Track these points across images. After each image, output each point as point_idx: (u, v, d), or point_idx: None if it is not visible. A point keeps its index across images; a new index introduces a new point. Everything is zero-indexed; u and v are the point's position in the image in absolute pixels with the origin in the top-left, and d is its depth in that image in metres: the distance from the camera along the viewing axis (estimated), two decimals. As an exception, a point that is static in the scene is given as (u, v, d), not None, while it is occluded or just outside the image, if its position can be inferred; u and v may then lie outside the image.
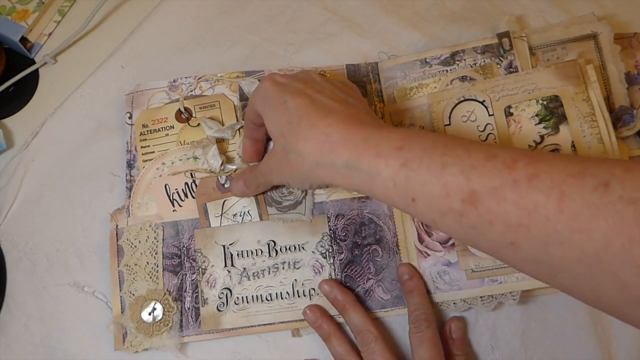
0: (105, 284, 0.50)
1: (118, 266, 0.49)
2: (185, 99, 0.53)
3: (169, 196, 0.50)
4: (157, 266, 0.49)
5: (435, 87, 0.53)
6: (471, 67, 0.53)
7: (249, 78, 0.54)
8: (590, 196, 0.28)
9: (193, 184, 0.51)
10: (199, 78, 0.54)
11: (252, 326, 0.47)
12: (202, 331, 0.47)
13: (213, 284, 0.48)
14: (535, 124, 0.49)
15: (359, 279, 0.48)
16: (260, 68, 0.55)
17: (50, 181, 0.53)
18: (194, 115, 0.53)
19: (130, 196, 0.51)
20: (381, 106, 0.53)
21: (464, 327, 0.48)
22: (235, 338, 0.48)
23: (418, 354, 0.44)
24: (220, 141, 0.52)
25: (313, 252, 0.49)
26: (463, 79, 0.52)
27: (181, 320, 0.48)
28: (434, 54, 0.54)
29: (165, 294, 0.48)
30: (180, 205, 0.50)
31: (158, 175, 0.51)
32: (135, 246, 0.49)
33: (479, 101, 0.50)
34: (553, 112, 0.49)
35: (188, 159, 0.51)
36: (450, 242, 0.48)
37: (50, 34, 0.60)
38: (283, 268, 0.49)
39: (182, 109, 0.53)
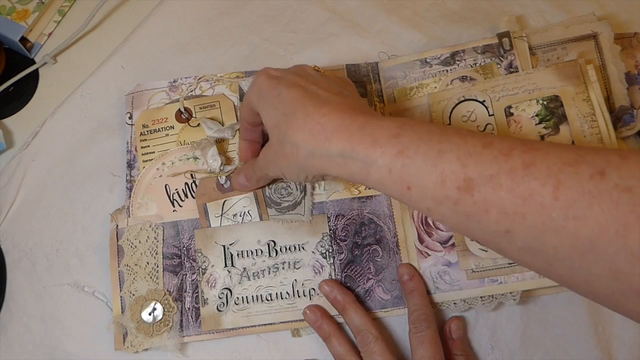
0: (105, 284, 0.50)
1: (118, 266, 0.49)
2: (185, 99, 0.53)
3: (169, 196, 0.50)
4: (157, 266, 0.49)
5: (436, 87, 0.53)
6: (471, 67, 0.53)
7: (249, 78, 0.54)
8: (586, 184, 0.28)
9: (193, 184, 0.51)
10: (199, 78, 0.54)
11: (252, 326, 0.47)
12: (202, 331, 0.47)
13: (213, 284, 0.48)
14: (536, 124, 0.49)
15: (359, 279, 0.48)
16: (260, 68, 0.55)
17: (50, 181, 0.53)
18: (194, 115, 0.53)
19: (130, 196, 0.51)
20: (381, 106, 0.53)
21: (463, 327, 0.48)
22: (235, 338, 0.48)
23: (418, 354, 0.44)
24: (220, 141, 0.52)
25: (313, 252, 0.49)
26: (463, 79, 0.52)
27: (181, 321, 0.48)
28: (434, 54, 0.54)
29: (165, 294, 0.48)
30: (180, 206, 0.50)
31: (158, 175, 0.51)
32: (136, 246, 0.49)
33: (479, 101, 0.50)
34: (553, 112, 0.49)
35: (188, 159, 0.51)
36: (451, 242, 0.48)
37: (50, 34, 0.60)
38: (283, 268, 0.49)
39: (182, 109, 0.53)
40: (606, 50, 0.52)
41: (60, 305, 0.50)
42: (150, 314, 0.47)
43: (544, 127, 0.49)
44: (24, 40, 0.58)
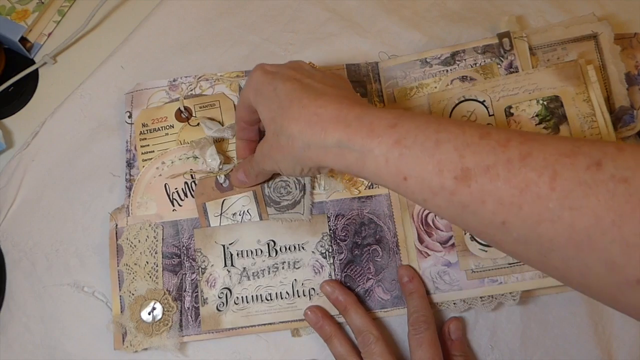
0: (105, 284, 0.50)
1: (118, 266, 0.49)
2: (185, 98, 0.53)
3: (168, 196, 0.50)
4: (157, 266, 0.49)
5: (436, 87, 0.53)
6: (471, 67, 0.53)
7: (249, 78, 0.54)
8: (583, 175, 0.28)
9: (193, 184, 0.51)
10: (199, 77, 0.54)
11: (251, 326, 0.47)
12: (201, 331, 0.47)
13: (213, 284, 0.48)
14: (536, 124, 0.49)
15: (358, 279, 0.48)
16: (260, 68, 0.55)
17: (50, 181, 0.53)
18: (193, 114, 0.53)
19: (130, 195, 0.51)
20: (381, 106, 0.53)
21: (462, 327, 0.48)
22: (235, 338, 0.48)
23: (417, 356, 0.44)
24: (219, 141, 0.52)
25: (313, 252, 0.49)
26: (463, 79, 0.52)
27: (181, 320, 0.48)
28: (434, 53, 0.54)
29: (164, 293, 0.48)
30: (180, 205, 0.50)
31: (158, 174, 0.51)
32: (135, 246, 0.49)
33: (479, 101, 0.50)
34: (553, 113, 0.49)
35: (188, 158, 0.51)
36: (450, 242, 0.48)
37: (50, 34, 0.60)
38: (283, 268, 0.49)
39: (182, 108, 0.53)
40: (606, 51, 0.52)
41: (60, 305, 0.50)
42: (149, 314, 0.47)
43: (544, 127, 0.49)
44: (23, 40, 0.58)
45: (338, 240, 0.49)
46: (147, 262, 0.49)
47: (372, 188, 0.50)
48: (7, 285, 0.51)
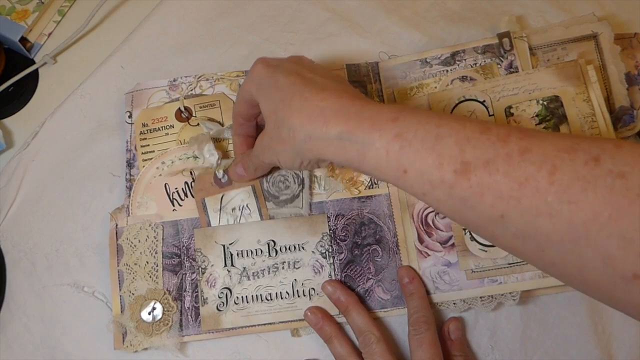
0: (105, 284, 0.50)
1: (118, 266, 0.49)
2: (185, 98, 0.53)
3: (168, 195, 0.50)
4: (157, 266, 0.49)
5: (436, 87, 0.53)
6: (471, 67, 0.53)
7: (249, 78, 0.54)
8: (581, 170, 0.28)
9: (193, 184, 0.51)
10: (199, 77, 0.54)
11: (251, 326, 0.47)
12: (201, 331, 0.47)
13: (213, 284, 0.48)
14: (536, 124, 0.49)
15: (358, 279, 0.48)
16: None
17: (50, 181, 0.53)
18: (194, 114, 0.53)
19: (130, 195, 0.51)
20: (381, 106, 0.53)
21: (462, 327, 0.48)
22: (235, 338, 0.48)
23: (417, 356, 0.44)
24: (219, 141, 0.52)
25: (313, 252, 0.49)
26: (463, 79, 0.52)
27: (181, 320, 0.48)
28: (434, 54, 0.54)
29: (165, 293, 0.48)
30: (180, 205, 0.50)
31: (158, 174, 0.51)
32: (135, 245, 0.49)
33: (479, 101, 0.50)
34: (553, 113, 0.49)
35: (188, 158, 0.51)
36: (450, 242, 0.48)
37: (50, 34, 0.60)
38: (283, 268, 0.49)
39: (182, 108, 0.53)
40: (606, 51, 0.52)
41: (60, 305, 0.50)
42: (149, 314, 0.47)
43: (544, 127, 0.49)
44: (23, 40, 0.58)
45: (338, 240, 0.49)
46: (147, 262, 0.49)
47: (372, 188, 0.50)
48: (7, 285, 0.51)
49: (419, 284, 0.47)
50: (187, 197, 0.50)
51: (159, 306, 0.47)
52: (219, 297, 0.48)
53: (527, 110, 0.50)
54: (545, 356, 0.47)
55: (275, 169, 0.50)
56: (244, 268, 0.49)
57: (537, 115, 0.49)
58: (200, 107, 0.53)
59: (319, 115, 0.36)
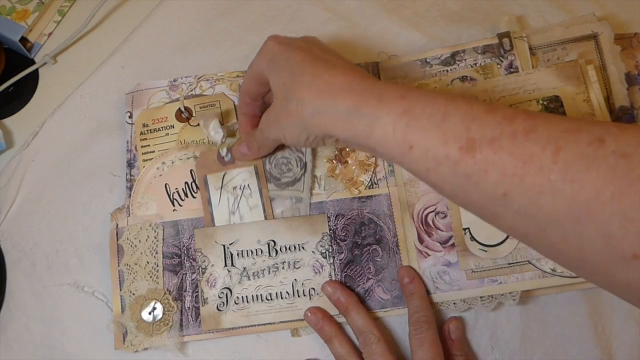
0: (105, 284, 0.50)
1: (118, 266, 0.49)
2: (185, 99, 0.53)
3: (169, 196, 0.50)
4: (157, 266, 0.49)
5: (436, 87, 0.53)
6: (471, 67, 0.53)
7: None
8: (585, 149, 0.28)
9: (193, 184, 0.51)
10: (199, 77, 0.54)
11: (252, 326, 0.47)
12: (202, 331, 0.47)
13: (213, 284, 0.48)
14: (536, 124, 0.49)
15: (358, 279, 0.48)
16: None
17: (50, 181, 0.53)
18: (194, 114, 0.53)
19: (130, 195, 0.51)
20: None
21: (462, 327, 0.48)
22: (235, 338, 0.48)
23: (418, 356, 0.44)
24: (223, 123, 0.52)
25: (313, 252, 0.49)
26: (463, 79, 0.52)
27: (181, 320, 0.48)
28: (434, 54, 0.54)
29: (165, 293, 0.48)
30: (180, 205, 0.50)
31: (158, 174, 0.51)
32: (136, 246, 0.49)
33: (479, 101, 0.50)
34: (553, 112, 0.49)
35: (188, 158, 0.51)
36: (450, 242, 0.48)
37: (50, 34, 0.60)
38: (283, 268, 0.49)
39: (183, 109, 0.53)
40: (606, 51, 0.52)
41: (60, 305, 0.50)
42: (150, 314, 0.47)
43: (544, 127, 0.49)
44: (24, 40, 0.58)
45: (338, 240, 0.49)
46: (148, 262, 0.49)
47: (372, 188, 0.50)
48: (7, 285, 0.51)
49: (419, 284, 0.47)
50: (187, 197, 0.50)
51: (159, 306, 0.47)
52: (219, 297, 0.48)
53: (527, 110, 0.50)
54: (545, 356, 0.48)
55: (278, 150, 0.50)
56: (244, 268, 0.49)
57: (537, 115, 0.49)
58: (201, 107, 0.53)
59: (328, 90, 0.37)
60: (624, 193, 0.27)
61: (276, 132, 0.42)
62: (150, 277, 0.48)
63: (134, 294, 0.48)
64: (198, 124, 0.52)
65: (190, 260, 0.49)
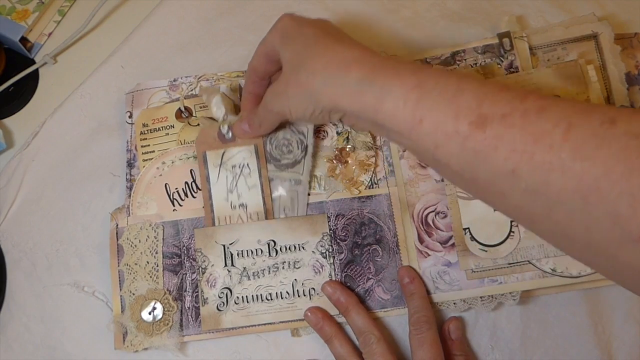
0: (105, 284, 0.50)
1: (118, 266, 0.49)
2: (185, 98, 0.53)
3: (169, 196, 0.50)
4: (157, 266, 0.49)
5: (436, 87, 0.52)
6: (472, 67, 0.53)
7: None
8: (597, 129, 0.28)
9: (193, 184, 0.51)
10: (199, 77, 0.54)
11: (252, 326, 0.47)
12: (202, 331, 0.47)
13: (213, 284, 0.48)
14: (536, 124, 0.49)
15: (358, 279, 0.48)
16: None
17: (50, 181, 0.53)
18: (194, 114, 0.53)
19: (130, 195, 0.51)
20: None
21: (462, 327, 0.48)
22: (235, 338, 0.48)
23: (418, 356, 0.44)
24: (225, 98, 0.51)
25: (313, 252, 0.49)
26: (463, 79, 0.52)
27: (181, 320, 0.48)
28: (434, 53, 0.54)
29: (165, 293, 0.48)
30: (180, 205, 0.50)
31: (158, 174, 0.51)
32: (136, 246, 0.49)
33: (479, 101, 0.50)
34: (553, 112, 0.49)
35: (188, 158, 0.51)
36: (451, 242, 0.48)
37: (50, 34, 0.60)
38: (283, 268, 0.49)
39: (183, 108, 0.53)
40: (606, 51, 0.52)
41: (60, 305, 0.50)
42: (150, 314, 0.47)
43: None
44: (24, 40, 0.58)
45: (338, 240, 0.49)
46: (148, 262, 0.49)
47: (372, 188, 0.50)
48: (7, 285, 0.51)
49: (419, 284, 0.47)
50: (187, 197, 0.50)
51: (159, 306, 0.47)
52: (219, 297, 0.48)
53: (527, 110, 0.50)
54: (545, 356, 0.48)
55: (279, 130, 0.50)
56: (244, 268, 0.49)
57: (537, 115, 0.49)
58: (201, 107, 0.53)
59: (340, 62, 0.37)
60: (634, 173, 0.26)
61: (281, 104, 0.42)
62: (150, 277, 0.48)
63: (134, 294, 0.48)
64: (198, 124, 0.52)
65: (190, 260, 0.49)
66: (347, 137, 0.51)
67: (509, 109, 0.31)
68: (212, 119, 0.51)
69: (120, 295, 0.48)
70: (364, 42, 0.56)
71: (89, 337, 0.49)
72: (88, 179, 0.53)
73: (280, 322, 0.48)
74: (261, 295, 0.48)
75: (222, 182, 0.50)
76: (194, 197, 0.50)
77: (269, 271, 0.48)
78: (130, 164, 0.52)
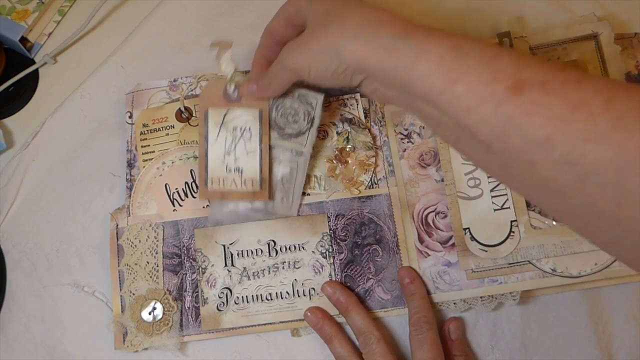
0: (105, 284, 0.50)
1: (118, 266, 0.49)
2: (185, 99, 0.53)
3: (169, 196, 0.50)
4: (157, 266, 0.49)
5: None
6: (471, 67, 0.53)
7: (249, 78, 0.54)
8: (638, 104, 0.27)
9: (193, 184, 0.51)
10: (199, 77, 0.54)
11: (252, 326, 0.47)
12: (202, 331, 0.47)
13: (213, 284, 0.48)
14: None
15: (359, 279, 0.48)
16: (261, 68, 0.55)
17: (50, 181, 0.53)
18: (194, 114, 0.53)
19: (130, 195, 0.51)
20: (381, 106, 0.53)
21: (462, 327, 0.48)
22: (235, 338, 0.48)
23: (418, 356, 0.44)
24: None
25: (313, 252, 0.49)
26: (463, 79, 0.52)
27: (181, 320, 0.48)
28: (434, 54, 0.53)
29: (165, 293, 0.48)
30: (180, 205, 0.50)
31: (158, 174, 0.51)
32: (136, 246, 0.49)
33: (479, 101, 0.50)
34: (553, 112, 0.49)
35: (188, 158, 0.51)
36: (451, 242, 0.48)
37: (50, 34, 0.60)
38: (283, 268, 0.49)
39: (183, 109, 0.53)
40: (606, 51, 0.52)
41: (60, 305, 0.50)
42: (150, 314, 0.47)
43: (544, 127, 0.49)
44: (24, 40, 0.58)
45: (338, 240, 0.49)
46: (148, 262, 0.49)
47: (372, 188, 0.50)
48: (7, 285, 0.51)
49: (419, 284, 0.47)
50: (187, 197, 0.51)
51: (159, 306, 0.47)
52: (219, 297, 0.48)
53: (527, 110, 0.49)
54: (545, 356, 0.48)
55: (287, 97, 0.48)
56: (244, 268, 0.49)
57: (537, 115, 0.49)
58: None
59: (374, 18, 0.36)
60: None
61: (302, 59, 0.39)
62: (150, 277, 0.48)
63: (134, 294, 0.48)
64: (198, 124, 0.52)
65: (190, 260, 0.49)
66: (347, 137, 0.51)
67: (549, 77, 0.30)
68: (220, 77, 0.49)
69: (120, 295, 0.48)
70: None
71: (89, 337, 0.49)
72: (88, 179, 0.53)
73: (280, 322, 0.48)
74: (261, 295, 0.48)
75: (221, 143, 0.48)
76: (194, 197, 0.50)
77: (269, 271, 0.48)
78: (130, 164, 0.52)
